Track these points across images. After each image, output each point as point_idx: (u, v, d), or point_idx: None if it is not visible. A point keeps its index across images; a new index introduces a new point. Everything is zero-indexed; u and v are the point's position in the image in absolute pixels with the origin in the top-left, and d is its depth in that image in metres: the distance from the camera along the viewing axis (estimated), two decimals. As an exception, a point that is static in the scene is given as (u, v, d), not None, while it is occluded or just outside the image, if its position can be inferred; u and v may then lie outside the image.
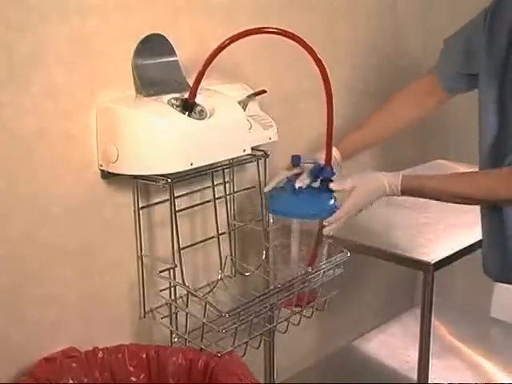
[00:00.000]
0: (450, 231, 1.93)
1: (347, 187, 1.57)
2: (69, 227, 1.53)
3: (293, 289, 1.62)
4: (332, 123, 1.52)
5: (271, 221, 1.72)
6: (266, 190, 1.66)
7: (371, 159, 2.36)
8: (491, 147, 1.61)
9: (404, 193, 1.59)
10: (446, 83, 1.75)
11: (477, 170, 1.68)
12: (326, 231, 1.57)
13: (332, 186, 1.58)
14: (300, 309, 1.69)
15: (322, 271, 1.66)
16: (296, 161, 1.60)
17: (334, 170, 1.57)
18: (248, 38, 1.66)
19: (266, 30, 1.50)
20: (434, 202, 2.12)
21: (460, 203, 1.62)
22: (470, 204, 1.66)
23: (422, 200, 2.13)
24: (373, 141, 1.84)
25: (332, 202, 1.57)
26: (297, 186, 1.57)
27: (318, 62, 1.48)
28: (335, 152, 1.66)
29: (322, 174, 1.57)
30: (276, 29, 1.48)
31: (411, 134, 2.52)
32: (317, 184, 1.57)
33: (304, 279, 1.62)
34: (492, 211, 1.65)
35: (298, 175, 1.60)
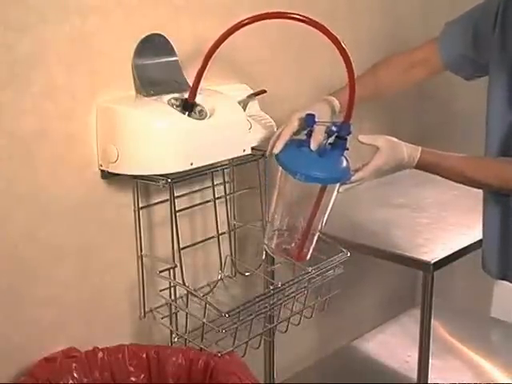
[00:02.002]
0: (449, 231, 1.93)
1: (377, 144, 1.52)
2: (69, 227, 1.53)
3: (294, 288, 1.62)
4: (353, 74, 1.45)
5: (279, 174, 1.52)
6: (276, 151, 1.47)
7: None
8: (500, 143, 1.60)
9: (418, 166, 1.57)
10: (449, 61, 1.72)
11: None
12: (341, 189, 1.50)
13: (361, 137, 1.50)
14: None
15: (322, 271, 1.66)
16: (310, 121, 1.46)
17: (352, 128, 1.47)
18: (249, 37, 1.66)
19: (287, 15, 1.43)
20: (433, 201, 2.14)
21: (471, 186, 1.62)
22: (482, 189, 1.67)
23: (421, 200, 2.15)
24: (367, 98, 1.76)
25: (346, 162, 1.48)
26: (313, 147, 1.44)
27: (342, 50, 1.44)
28: (334, 101, 1.62)
29: (340, 130, 1.44)
30: (298, 15, 1.42)
31: (412, 134, 2.52)
32: (331, 140, 1.46)
33: (304, 279, 1.62)
34: (495, 206, 1.65)
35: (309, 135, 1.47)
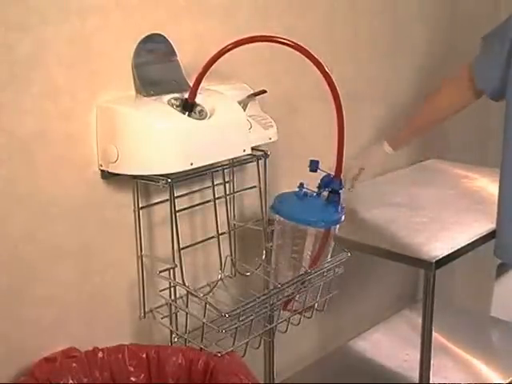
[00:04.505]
0: (449, 230, 1.93)
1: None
2: (69, 227, 1.53)
3: (293, 289, 1.62)
4: (343, 138, 1.53)
5: (276, 220, 1.67)
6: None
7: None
8: None
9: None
10: (485, 86, 1.84)
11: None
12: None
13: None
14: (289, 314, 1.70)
15: (322, 271, 1.66)
16: (314, 166, 1.58)
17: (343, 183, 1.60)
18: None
19: (272, 38, 1.50)
20: (433, 200, 2.15)
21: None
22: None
23: (420, 199, 2.15)
24: (419, 135, 2.10)
25: (336, 215, 1.57)
26: None
27: (326, 75, 1.48)
28: (387, 148, 2.03)
29: (331, 185, 1.56)
30: (284, 39, 1.49)
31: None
32: (325, 194, 1.57)
33: (304, 279, 1.62)
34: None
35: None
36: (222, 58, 1.50)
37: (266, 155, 1.73)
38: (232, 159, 1.68)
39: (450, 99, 1.97)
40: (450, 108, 1.98)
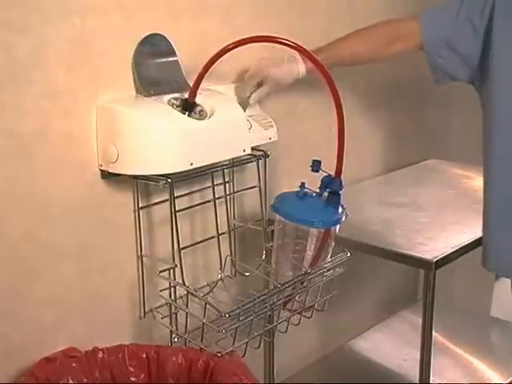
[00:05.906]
0: (448, 229, 1.93)
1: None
2: (68, 227, 1.53)
3: (293, 289, 1.62)
4: (343, 138, 1.52)
5: (276, 220, 1.65)
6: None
7: (370, 157, 2.36)
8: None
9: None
10: (428, 40, 1.75)
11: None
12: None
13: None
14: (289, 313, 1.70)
15: (322, 271, 1.66)
16: (316, 166, 1.57)
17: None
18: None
19: (273, 38, 1.50)
20: (432, 200, 2.15)
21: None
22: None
23: (420, 199, 2.15)
24: (342, 62, 1.85)
25: (336, 215, 1.57)
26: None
27: (326, 75, 1.47)
28: (302, 66, 1.72)
29: (331, 186, 1.56)
30: (284, 39, 1.49)
31: (411, 134, 2.52)
32: (325, 195, 1.57)
33: (304, 279, 1.62)
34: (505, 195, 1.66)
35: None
36: (221, 58, 1.50)
37: (265, 155, 1.73)
38: (232, 159, 1.68)
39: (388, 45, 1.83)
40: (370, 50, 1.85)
